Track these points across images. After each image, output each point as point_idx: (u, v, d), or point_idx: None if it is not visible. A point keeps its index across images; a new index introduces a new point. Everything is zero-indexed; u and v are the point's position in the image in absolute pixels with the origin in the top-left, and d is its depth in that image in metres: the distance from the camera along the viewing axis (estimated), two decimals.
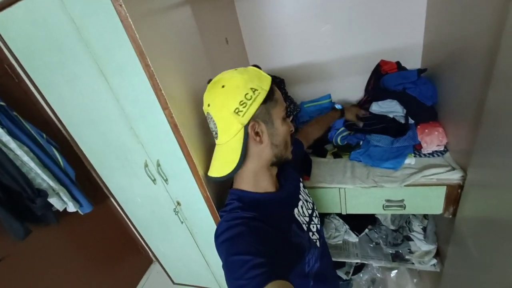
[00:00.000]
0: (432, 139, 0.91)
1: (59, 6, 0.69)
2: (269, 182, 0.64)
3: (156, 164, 0.95)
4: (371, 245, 1.22)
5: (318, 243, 0.68)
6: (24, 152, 1.07)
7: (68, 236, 1.40)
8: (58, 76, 0.84)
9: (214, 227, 0.99)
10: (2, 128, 1.03)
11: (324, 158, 1.10)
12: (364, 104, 1.14)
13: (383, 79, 1.04)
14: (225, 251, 0.52)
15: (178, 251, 1.33)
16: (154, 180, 1.02)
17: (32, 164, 1.09)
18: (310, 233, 0.67)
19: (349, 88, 1.29)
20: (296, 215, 0.66)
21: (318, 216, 0.75)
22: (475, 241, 0.75)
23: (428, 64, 1.05)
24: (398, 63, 1.10)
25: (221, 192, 0.91)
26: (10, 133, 1.05)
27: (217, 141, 0.63)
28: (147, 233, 1.35)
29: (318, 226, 0.72)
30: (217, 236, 0.56)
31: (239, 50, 1.24)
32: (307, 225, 0.67)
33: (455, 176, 0.81)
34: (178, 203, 1.06)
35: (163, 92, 0.68)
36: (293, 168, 0.77)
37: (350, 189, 0.93)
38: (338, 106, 1.18)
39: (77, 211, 1.29)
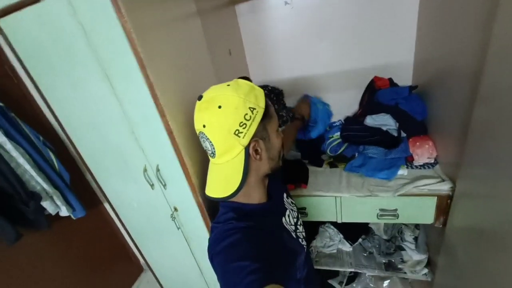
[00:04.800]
0: (423, 152, 0.96)
1: (69, 12, 0.72)
2: (262, 192, 0.66)
3: (155, 169, 0.96)
4: (365, 254, 1.25)
5: (305, 249, 0.72)
6: (19, 154, 1.06)
7: (58, 241, 1.36)
8: (63, 79, 0.85)
9: (208, 234, 1.01)
10: None
11: (320, 167, 1.13)
12: (359, 116, 1.19)
13: (377, 93, 1.10)
14: (221, 261, 0.53)
15: (172, 258, 1.31)
16: (152, 185, 1.02)
17: (27, 166, 1.08)
18: (300, 240, 0.70)
19: (345, 102, 1.34)
20: (284, 224, 0.68)
21: (302, 224, 0.77)
22: (465, 250, 0.78)
23: (418, 81, 1.12)
24: (390, 79, 1.16)
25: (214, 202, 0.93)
26: (7, 134, 1.04)
27: (213, 160, 0.61)
28: (141, 239, 1.33)
29: (304, 233, 0.75)
30: (211, 247, 0.57)
31: (241, 61, 1.28)
32: (294, 233, 0.70)
33: (444, 187, 0.85)
34: (175, 209, 1.06)
35: (160, 101, 0.72)
36: (276, 179, 0.78)
37: (345, 198, 0.96)
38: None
39: (69, 215, 1.26)
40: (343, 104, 1.35)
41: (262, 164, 0.61)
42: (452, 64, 0.82)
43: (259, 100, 0.57)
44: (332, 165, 1.12)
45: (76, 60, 0.80)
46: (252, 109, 0.55)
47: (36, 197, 1.08)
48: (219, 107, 0.54)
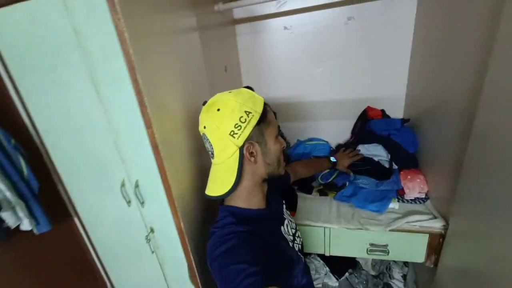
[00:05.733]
0: (414, 186, 0.94)
1: (62, 11, 0.69)
2: (260, 198, 0.68)
3: (134, 185, 0.88)
4: None
5: (303, 260, 0.72)
6: None
7: (15, 258, 1.20)
8: (46, 80, 0.80)
9: (185, 259, 0.93)
10: None
11: (309, 195, 1.09)
12: (350, 145, 1.18)
13: (370, 123, 1.10)
14: (220, 265, 0.54)
15: (143, 284, 1.18)
16: (129, 202, 0.94)
17: None
18: (297, 251, 0.71)
19: (336, 130, 1.35)
20: (283, 232, 0.69)
21: (300, 237, 0.78)
22: None
23: (410, 114, 1.14)
24: (383, 110, 1.18)
25: (196, 223, 0.87)
26: None
27: (213, 161, 0.66)
28: (111, 260, 1.21)
29: (300, 246, 0.76)
30: (211, 252, 0.58)
31: (236, 79, 1.28)
32: (292, 243, 0.71)
33: (437, 225, 0.82)
34: (152, 230, 0.97)
35: (148, 110, 0.68)
36: (276, 192, 0.80)
37: (335, 229, 0.91)
38: (332, 159, 1.10)
39: (31, 229, 1.13)
40: (334, 132, 1.35)
41: (258, 167, 0.63)
42: (444, 101, 0.84)
43: (257, 106, 0.60)
44: (322, 193, 1.08)
45: (63, 61, 0.75)
46: (247, 113, 0.58)
47: None
48: (218, 110, 0.59)
